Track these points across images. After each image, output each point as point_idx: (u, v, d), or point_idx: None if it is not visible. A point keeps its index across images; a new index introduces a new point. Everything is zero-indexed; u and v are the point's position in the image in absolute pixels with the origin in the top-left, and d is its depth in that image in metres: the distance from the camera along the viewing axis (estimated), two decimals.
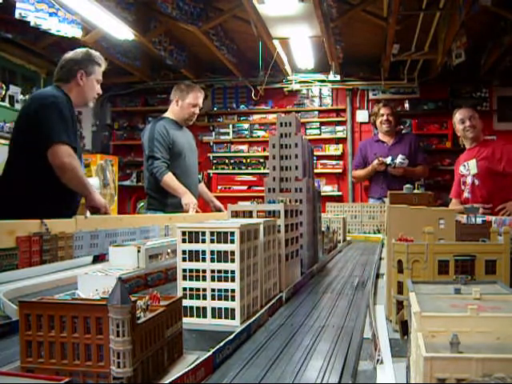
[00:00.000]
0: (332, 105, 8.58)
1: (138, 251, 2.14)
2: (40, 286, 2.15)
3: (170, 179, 4.62)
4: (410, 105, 8.25)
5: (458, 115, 5.28)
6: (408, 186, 1.89)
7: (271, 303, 1.72)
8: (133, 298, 0.98)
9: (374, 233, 5.04)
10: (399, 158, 6.36)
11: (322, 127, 8.58)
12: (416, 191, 1.89)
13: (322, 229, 3.15)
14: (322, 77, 8.30)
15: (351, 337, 1.41)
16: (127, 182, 9.16)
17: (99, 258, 2.80)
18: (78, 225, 2.93)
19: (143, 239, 3.08)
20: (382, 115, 6.61)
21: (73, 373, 1.00)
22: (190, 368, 1.04)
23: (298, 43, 6.43)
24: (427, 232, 1.37)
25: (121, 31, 6.00)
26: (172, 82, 8.53)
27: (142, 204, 8.68)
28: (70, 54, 3.66)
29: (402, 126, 8.08)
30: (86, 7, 5.33)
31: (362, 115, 8.43)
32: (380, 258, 3.03)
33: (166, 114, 5.09)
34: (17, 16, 4.97)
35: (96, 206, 3.49)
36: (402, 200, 1.77)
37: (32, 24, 5.13)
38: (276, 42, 6.23)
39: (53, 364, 1.01)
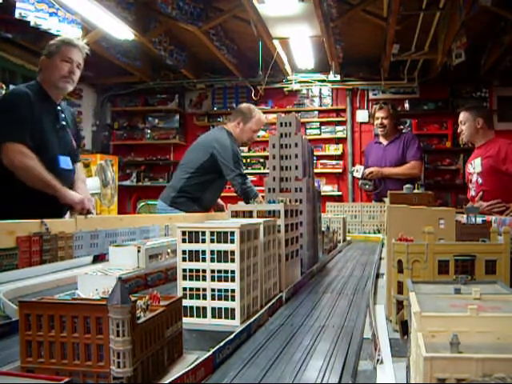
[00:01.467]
0: (332, 105, 8.59)
1: (138, 251, 2.14)
2: (40, 285, 2.15)
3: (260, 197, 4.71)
4: (409, 105, 8.26)
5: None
6: (408, 185, 1.89)
7: (271, 303, 1.71)
8: (133, 298, 0.98)
9: (374, 233, 5.04)
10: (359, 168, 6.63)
11: (322, 127, 8.59)
12: (416, 191, 1.89)
13: (322, 229, 3.15)
14: (321, 77, 8.30)
15: (351, 337, 1.41)
16: (127, 182, 9.17)
17: (99, 258, 2.80)
18: (78, 225, 2.93)
19: (143, 239, 3.08)
20: (377, 118, 6.57)
21: (73, 373, 1.00)
22: (190, 368, 1.04)
23: (298, 43, 6.43)
24: (427, 232, 1.37)
25: (121, 31, 6.00)
26: (172, 82, 8.58)
27: (142, 204, 8.69)
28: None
29: (401, 126, 8.09)
30: (86, 7, 5.32)
31: (361, 115, 8.43)
32: (380, 258, 3.03)
33: (231, 131, 5.02)
34: (17, 16, 4.97)
35: (68, 204, 3.24)
36: (402, 200, 1.77)
37: (32, 24, 5.13)
38: (276, 42, 6.23)
39: (53, 364, 1.01)
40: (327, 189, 8.41)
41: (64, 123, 3.52)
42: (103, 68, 7.56)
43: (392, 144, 6.62)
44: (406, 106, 8.27)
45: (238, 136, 5.00)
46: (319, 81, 8.39)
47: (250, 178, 8.28)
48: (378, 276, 2.36)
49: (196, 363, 1.08)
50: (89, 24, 5.95)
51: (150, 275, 2.13)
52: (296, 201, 2.43)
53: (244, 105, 5.24)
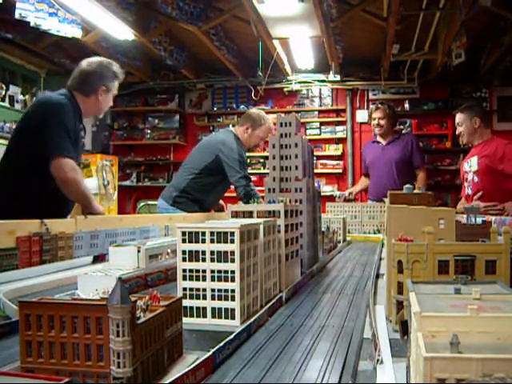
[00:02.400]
0: (332, 105, 8.59)
1: (138, 251, 2.14)
2: (40, 286, 2.15)
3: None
4: (409, 105, 8.26)
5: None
6: (408, 186, 1.89)
7: (271, 303, 1.71)
8: (133, 298, 0.98)
9: (374, 233, 5.04)
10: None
11: (322, 127, 8.59)
12: (416, 191, 1.89)
13: (322, 229, 3.15)
14: (321, 77, 8.30)
15: (351, 337, 1.41)
16: (127, 182, 9.17)
17: (99, 258, 2.80)
18: (78, 225, 2.93)
19: (143, 239, 3.08)
20: (374, 119, 6.58)
21: (73, 373, 1.00)
22: (190, 368, 1.04)
23: (298, 43, 6.43)
24: (427, 232, 1.37)
25: (121, 31, 6.00)
26: (172, 82, 8.58)
27: (142, 204, 8.69)
28: (91, 66, 3.58)
29: (401, 126, 8.09)
30: (86, 7, 5.33)
31: (361, 115, 8.43)
32: (380, 258, 3.03)
33: (239, 135, 5.01)
34: (17, 16, 4.98)
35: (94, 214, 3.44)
36: (401, 200, 1.77)
37: (32, 24, 5.14)
38: (276, 42, 6.24)
39: (53, 364, 1.01)
40: (327, 189, 8.41)
41: (82, 137, 3.64)
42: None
43: (392, 144, 6.62)
44: (406, 106, 8.27)
45: (246, 141, 5.01)
46: (319, 81, 8.39)
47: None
48: (377, 276, 2.36)
49: (196, 363, 1.08)
50: (89, 24, 5.95)
51: (149, 275, 2.13)
52: (296, 201, 2.43)
53: (254, 110, 5.25)
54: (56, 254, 2.63)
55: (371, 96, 8.44)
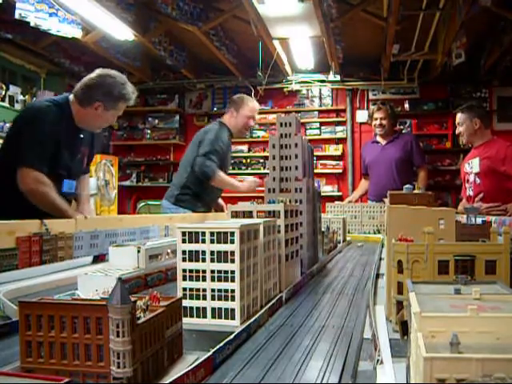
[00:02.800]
0: (332, 105, 8.58)
1: (138, 251, 2.14)
2: (40, 286, 2.15)
3: (223, 175, 4.79)
4: (409, 105, 8.25)
5: None
6: (408, 186, 1.89)
7: (271, 303, 1.71)
8: (133, 299, 0.98)
9: (374, 233, 5.04)
10: None
11: (322, 127, 8.58)
12: (416, 191, 1.89)
13: (322, 229, 3.15)
14: (321, 77, 8.30)
15: (351, 337, 1.41)
16: (127, 182, 9.16)
17: (99, 259, 2.80)
18: (78, 225, 2.93)
19: (143, 239, 3.08)
20: (376, 119, 6.60)
21: (73, 373, 1.00)
22: (189, 368, 1.05)
23: (298, 43, 6.43)
24: (427, 232, 1.37)
25: (121, 31, 6.00)
26: (172, 82, 8.57)
27: (142, 204, 8.69)
28: (95, 78, 3.35)
29: (401, 127, 8.09)
30: (85, 7, 5.32)
31: (361, 115, 8.42)
32: (380, 259, 3.03)
33: (226, 122, 5.09)
34: (17, 16, 4.98)
35: None
36: (401, 200, 1.77)
37: (32, 24, 5.14)
38: (276, 42, 6.23)
39: (53, 364, 1.01)
40: (327, 189, 8.41)
41: (80, 144, 3.50)
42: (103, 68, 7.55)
43: (391, 144, 6.64)
44: (406, 106, 8.27)
45: (234, 126, 5.06)
46: (319, 81, 8.39)
47: (250, 178, 8.29)
48: (377, 276, 2.36)
49: (196, 363, 1.08)
50: (89, 24, 5.95)
51: (149, 275, 2.13)
52: (296, 201, 2.43)
53: (235, 95, 5.31)
54: (56, 254, 2.63)
55: (371, 96, 8.43)
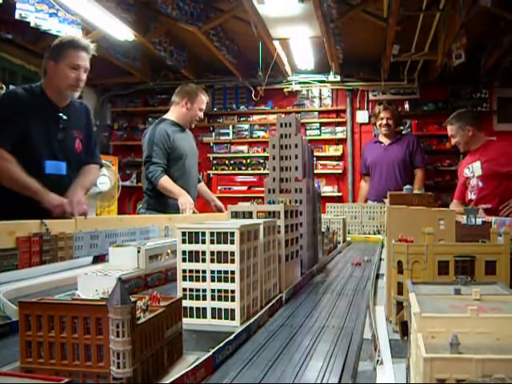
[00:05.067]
0: (332, 105, 8.58)
1: (138, 252, 2.14)
2: (40, 286, 2.15)
3: (165, 182, 4.63)
4: (409, 105, 8.25)
5: None
6: (408, 186, 1.89)
7: (271, 304, 1.71)
8: (133, 299, 0.98)
9: (374, 233, 5.04)
10: None
11: (322, 128, 8.58)
12: (416, 192, 1.89)
13: (322, 229, 3.15)
14: (321, 77, 8.30)
15: (351, 337, 1.41)
16: (127, 183, 9.16)
17: (99, 259, 2.80)
18: (78, 225, 2.93)
19: (143, 239, 3.08)
20: (382, 118, 6.63)
21: (73, 373, 1.00)
22: (190, 368, 1.04)
23: (298, 44, 6.43)
24: (427, 233, 1.37)
25: (121, 32, 6.00)
26: (172, 82, 8.56)
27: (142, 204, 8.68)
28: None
29: (401, 127, 8.09)
30: (86, 8, 5.32)
31: (361, 116, 8.43)
32: (380, 259, 3.03)
33: (168, 116, 5.05)
34: (17, 17, 4.97)
35: (47, 207, 3.06)
36: (401, 200, 1.77)
37: (32, 24, 5.13)
38: (276, 43, 6.23)
39: (52, 364, 1.01)
40: (327, 190, 8.40)
41: (64, 127, 3.45)
42: (103, 68, 7.54)
43: (394, 144, 6.66)
44: (406, 106, 8.27)
45: (184, 115, 4.99)
46: (319, 81, 8.39)
47: (250, 178, 8.31)
48: (377, 277, 2.36)
49: (196, 364, 1.08)
50: (89, 25, 5.94)
51: (149, 276, 2.13)
52: (296, 201, 2.43)
53: (187, 86, 5.21)
54: (56, 255, 2.63)
55: (371, 97, 8.43)
